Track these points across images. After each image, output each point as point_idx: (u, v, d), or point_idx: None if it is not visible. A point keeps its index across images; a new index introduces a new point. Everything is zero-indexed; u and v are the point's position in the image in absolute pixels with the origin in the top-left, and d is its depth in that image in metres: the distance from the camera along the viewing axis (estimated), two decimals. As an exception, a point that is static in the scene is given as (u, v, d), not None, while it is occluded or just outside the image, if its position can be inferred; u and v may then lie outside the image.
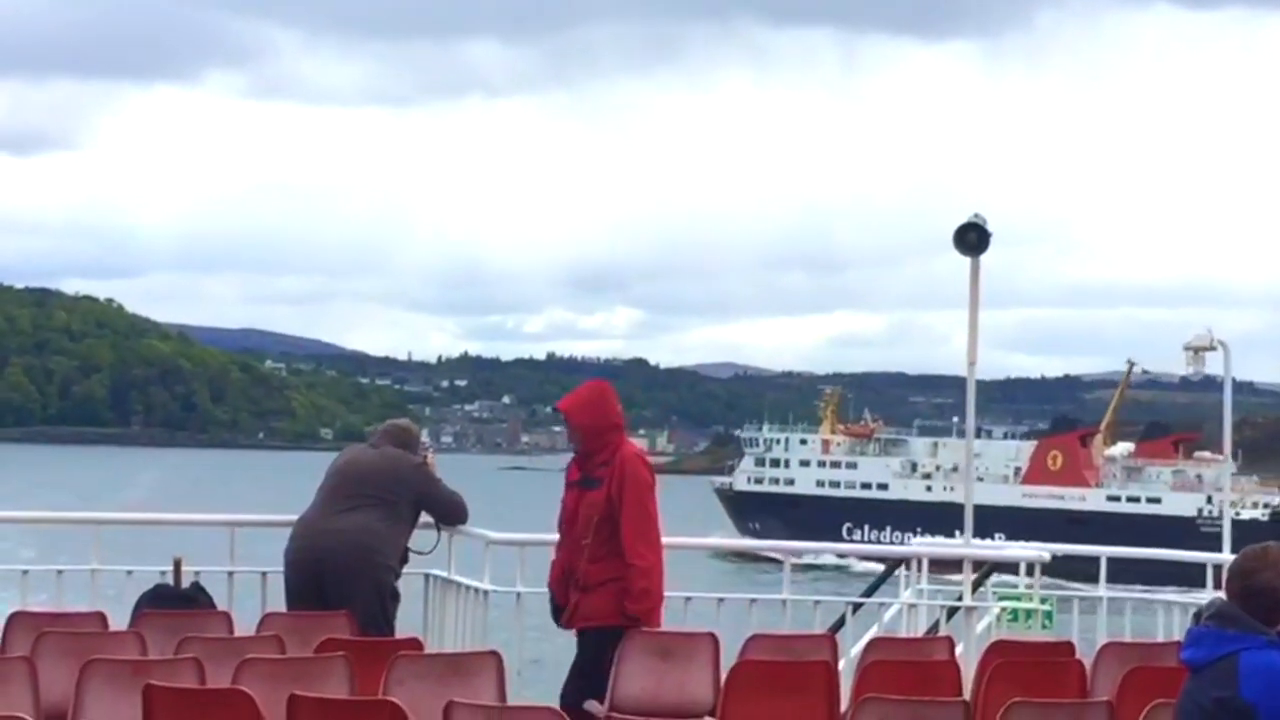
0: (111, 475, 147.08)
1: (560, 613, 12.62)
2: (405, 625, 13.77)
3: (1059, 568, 17.05)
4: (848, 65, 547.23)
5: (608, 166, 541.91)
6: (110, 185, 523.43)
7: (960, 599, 15.95)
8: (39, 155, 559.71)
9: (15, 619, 12.35)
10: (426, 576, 14.43)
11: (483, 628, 13.79)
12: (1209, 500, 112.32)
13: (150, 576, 13.75)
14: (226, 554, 14.48)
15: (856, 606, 15.80)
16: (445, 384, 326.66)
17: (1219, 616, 7.66)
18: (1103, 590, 16.24)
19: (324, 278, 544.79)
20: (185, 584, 13.68)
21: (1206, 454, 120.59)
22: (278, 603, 13.64)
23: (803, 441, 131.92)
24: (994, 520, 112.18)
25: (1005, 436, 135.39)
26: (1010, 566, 16.76)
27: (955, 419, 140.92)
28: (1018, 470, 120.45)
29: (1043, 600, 15.96)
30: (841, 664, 13.18)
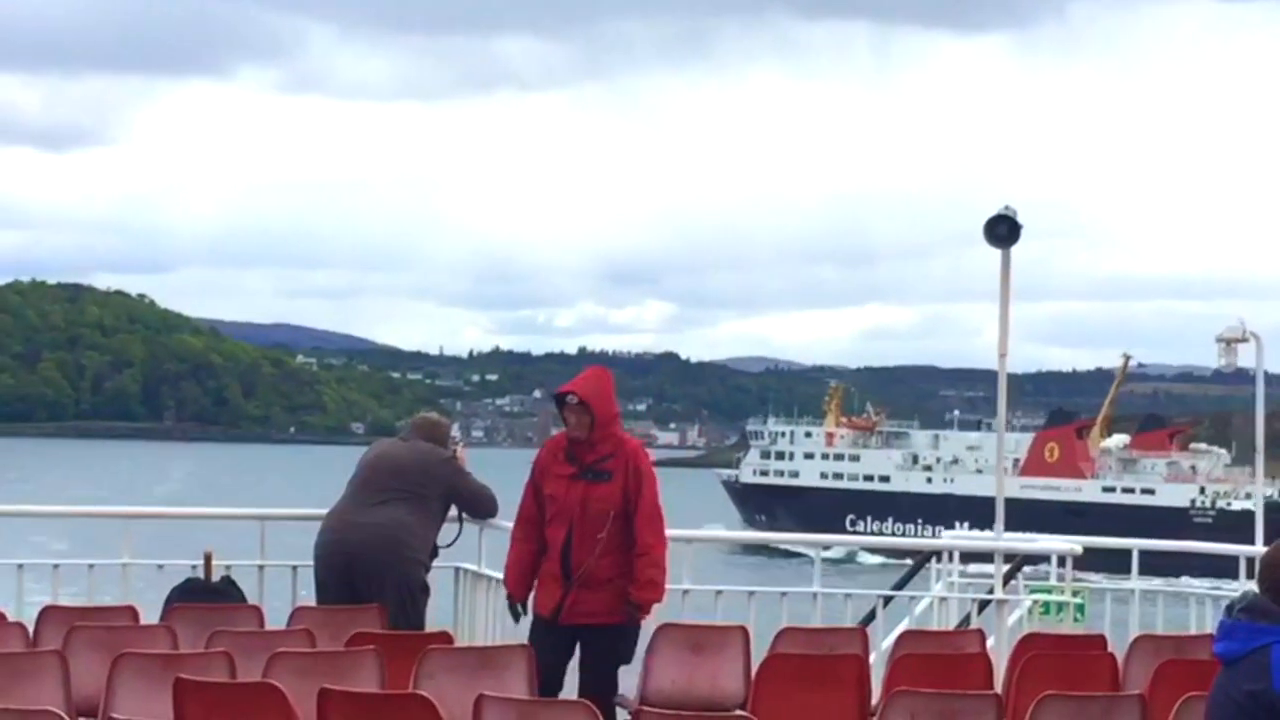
0: (143, 470, 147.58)
1: (520, 609, 12.50)
2: (436, 619, 13.77)
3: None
4: (880, 58, 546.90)
5: (639, 160, 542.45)
6: (143, 180, 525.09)
7: (992, 592, 15.91)
8: (73, 151, 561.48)
9: (47, 613, 12.38)
10: (457, 570, 14.43)
11: (513, 621, 13.77)
12: (1202, 491, 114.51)
13: (181, 570, 13.77)
14: (257, 548, 14.49)
15: (888, 599, 15.76)
16: (476, 378, 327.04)
17: (1251, 609, 7.63)
18: (1135, 583, 16.18)
19: (356, 272, 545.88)
20: (216, 578, 13.70)
21: (1202, 446, 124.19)
22: (308, 596, 13.65)
23: (807, 434, 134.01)
24: (992, 510, 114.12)
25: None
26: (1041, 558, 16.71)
27: (957, 412, 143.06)
28: (1016, 462, 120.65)
29: (1075, 593, 15.92)
30: (873, 657, 13.15)
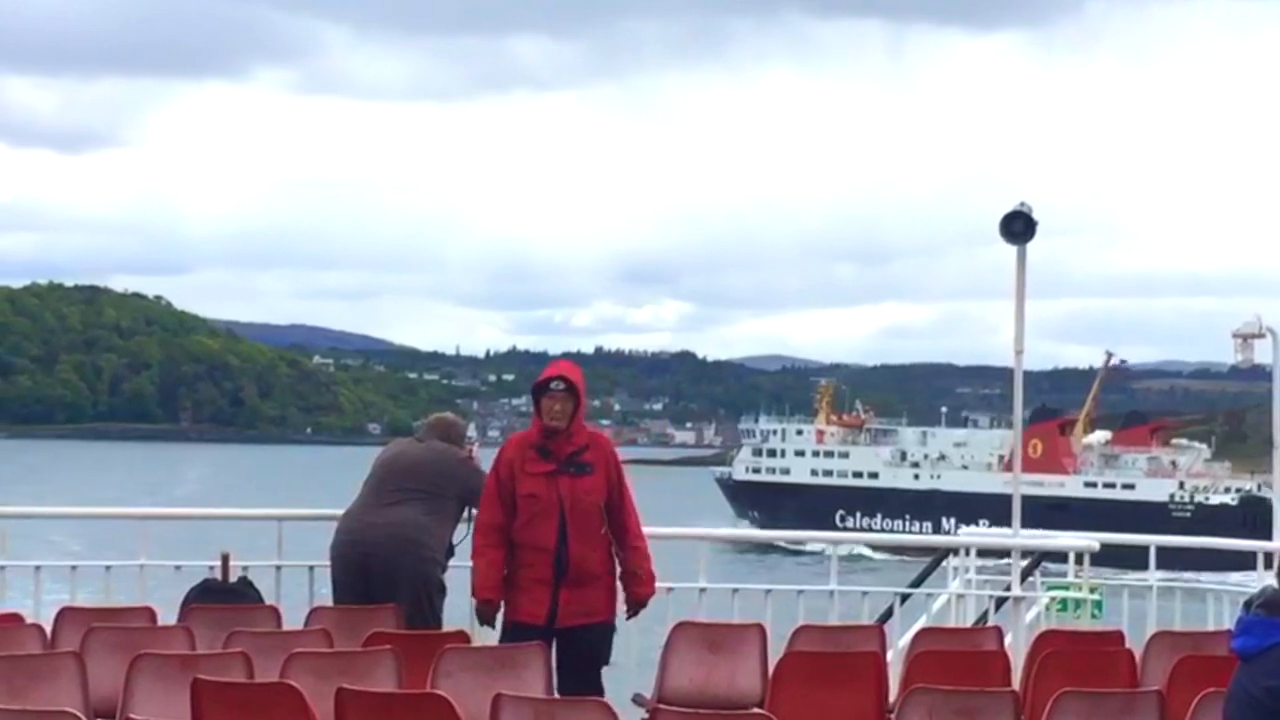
0: (160, 471, 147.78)
1: (490, 613, 12.27)
2: (453, 618, 13.76)
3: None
4: (895, 56, 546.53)
5: (655, 160, 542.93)
6: (160, 182, 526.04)
7: (1009, 589, 15.90)
8: (89, 153, 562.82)
9: (65, 614, 12.39)
10: (471, 569, 14.41)
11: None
12: (1181, 486, 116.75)
13: (198, 571, 13.77)
14: (274, 548, 14.48)
15: (905, 597, 15.75)
16: (493, 378, 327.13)
17: (1269, 605, 7.62)
18: (1153, 579, 16.16)
19: (373, 273, 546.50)
20: (233, 578, 13.70)
21: (1183, 441, 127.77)
22: (325, 597, 13.64)
23: (799, 432, 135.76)
24: (979, 506, 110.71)
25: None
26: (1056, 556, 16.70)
27: (944, 409, 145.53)
28: (1002, 458, 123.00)
29: (1092, 590, 15.90)
30: (890, 654, 13.14)
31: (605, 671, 12.33)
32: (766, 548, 75.04)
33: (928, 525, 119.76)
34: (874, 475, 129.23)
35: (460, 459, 13.74)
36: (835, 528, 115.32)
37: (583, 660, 12.07)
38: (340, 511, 13.79)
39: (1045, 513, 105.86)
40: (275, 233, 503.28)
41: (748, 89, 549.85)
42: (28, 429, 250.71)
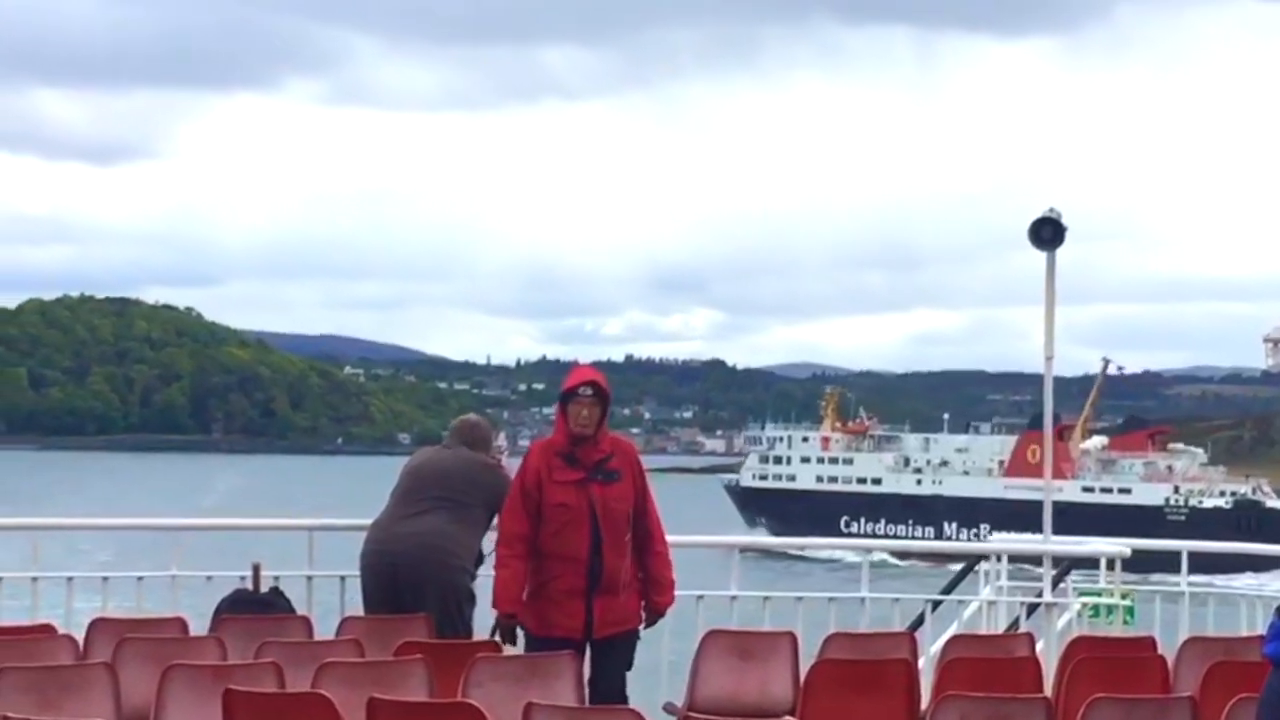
0: (191, 482, 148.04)
1: (512, 628, 12.05)
2: (483, 627, 13.76)
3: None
4: (924, 63, 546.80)
5: (685, 168, 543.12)
6: (191, 193, 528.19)
7: (1040, 595, 15.86)
8: (121, 165, 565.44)
9: (96, 625, 12.41)
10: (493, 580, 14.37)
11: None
12: (1176, 490, 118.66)
13: (229, 581, 13.78)
14: (305, 558, 14.49)
15: (936, 604, 15.73)
16: (523, 387, 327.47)
17: (1302, 610, 7.59)
18: (1184, 585, 16.12)
19: (404, 283, 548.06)
20: (264, 589, 13.71)
21: (1180, 446, 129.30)
22: (356, 606, 13.64)
23: (804, 439, 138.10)
24: (979, 511, 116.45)
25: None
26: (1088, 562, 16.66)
27: (946, 415, 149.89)
28: (1002, 464, 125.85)
29: (1124, 595, 15.86)
30: (921, 662, 13.12)
31: (637, 679, 12.32)
32: (778, 554, 74.98)
33: (930, 530, 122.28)
34: (877, 481, 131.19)
35: (487, 465, 13.64)
36: (840, 533, 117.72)
37: (614, 669, 11.97)
38: (371, 522, 13.80)
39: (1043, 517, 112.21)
40: (306, 243, 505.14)
41: (777, 96, 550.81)
42: (60, 441, 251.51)
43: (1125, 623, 15.71)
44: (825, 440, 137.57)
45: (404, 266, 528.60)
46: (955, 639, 13.74)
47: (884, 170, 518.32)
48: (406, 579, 13.18)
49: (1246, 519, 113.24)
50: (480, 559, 13.57)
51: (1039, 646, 13.80)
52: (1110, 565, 16.15)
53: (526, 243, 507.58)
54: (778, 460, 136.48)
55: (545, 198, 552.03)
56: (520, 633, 12.09)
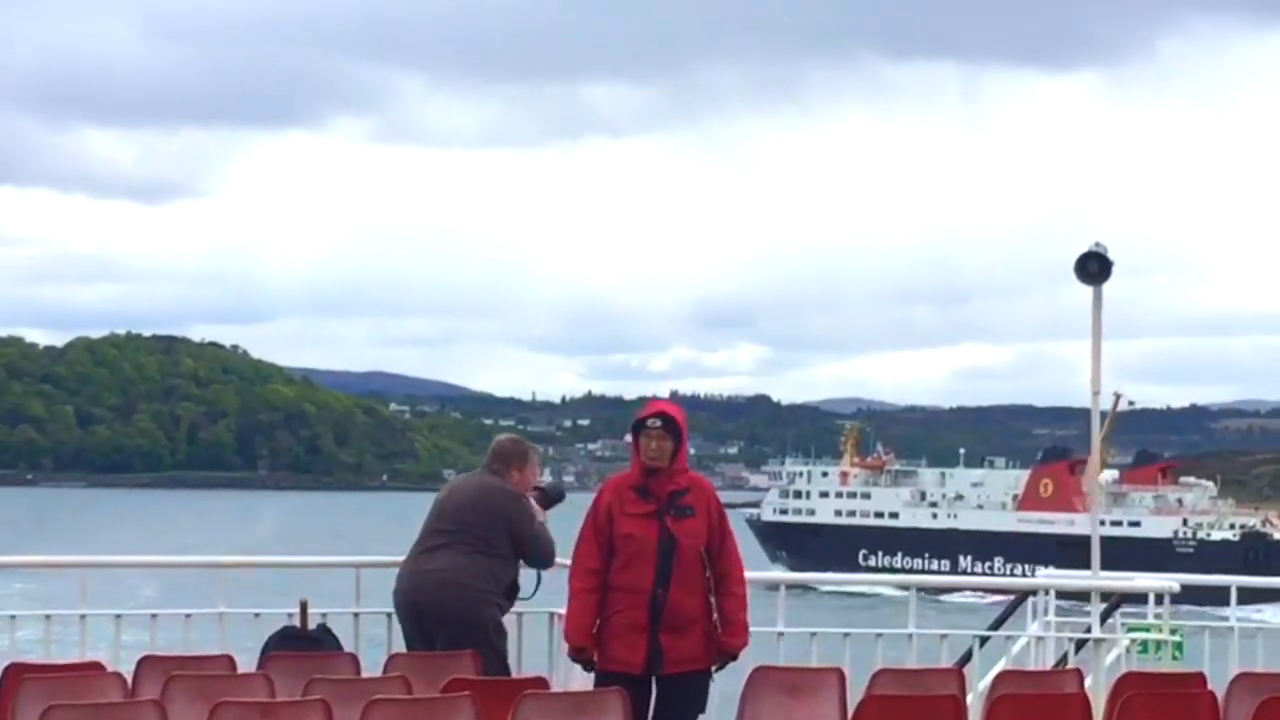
0: (237, 518, 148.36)
1: (584, 660, 11.95)
2: (531, 664, 13.76)
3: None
4: (969, 98, 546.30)
5: (731, 203, 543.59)
6: (238, 232, 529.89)
7: (1089, 630, 15.79)
8: (169, 204, 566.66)
9: (145, 662, 12.44)
10: (551, 615, 14.37)
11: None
12: (1185, 523, 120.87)
13: (277, 619, 13.81)
14: (352, 595, 14.53)
15: (984, 640, 15.67)
16: (568, 423, 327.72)
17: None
18: (1234, 620, 16.04)
19: (450, 319, 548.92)
20: (312, 626, 13.74)
21: (1190, 479, 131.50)
22: (403, 643, 13.66)
23: (824, 474, 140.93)
24: (992, 544, 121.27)
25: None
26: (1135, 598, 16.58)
27: (962, 450, 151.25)
28: (1015, 498, 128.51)
29: (1173, 631, 15.78)
30: (970, 698, 13.07)
31: None
32: (802, 588, 75.03)
33: (945, 563, 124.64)
34: (894, 515, 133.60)
35: (505, 494, 13.52)
36: (858, 566, 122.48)
37: (682, 708, 11.83)
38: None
39: (1056, 549, 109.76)
40: (353, 281, 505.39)
41: (823, 132, 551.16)
42: (107, 478, 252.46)
43: (1174, 658, 15.62)
44: (844, 475, 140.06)
45: (450, 303, 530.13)
46: (1003, 675, 13.68)
47: (930, 205, 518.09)
48: (430, 616, 13.24)
49: (1254, 551, 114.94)
50: (514, 589, 13.50)
51: (1088, 682, 13.74)
52: (1159, 600, 16.06)
53: (572, 279, 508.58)
54: (798, 495, 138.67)
55: (591, 234, 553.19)
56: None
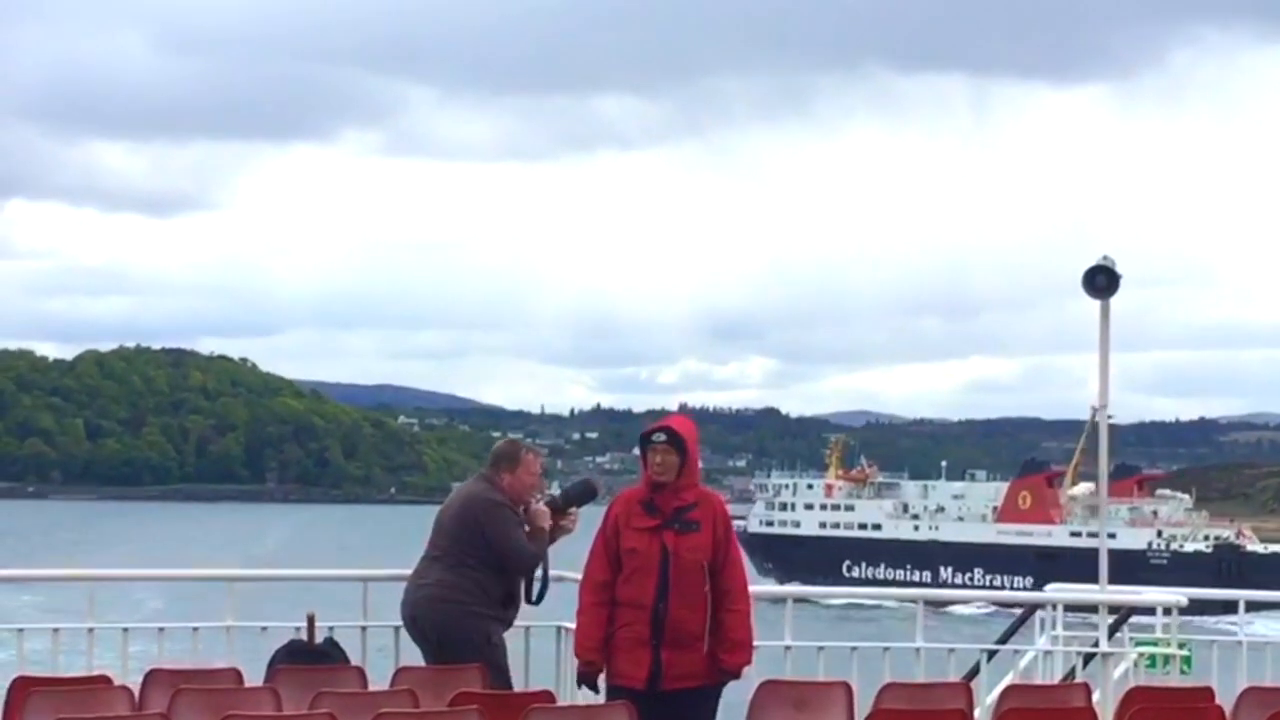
0: (245, 531, 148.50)
1: (590, 676, 11.91)
2: (538, 678, 13.76)
3: None
4: (979, 110, 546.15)
5: (740, 216, 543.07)
6: (247, 244, 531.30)
7: (1097, 645, 15.78)
8: (178, 217, 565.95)
9: (152, 675, 12.43)
10: (559, 629, 14.37)
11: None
12: (1159, 534, 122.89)
13: (284, 632, 13.81)
14: (359, 609, 14.53)
15: (992, 654, 15.66)
16: (576, 436, 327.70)
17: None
18: (1243, 634, 16.02)
19: (459, 332, 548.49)
20: (319, 639, 13.73)
21: (1166, 492, 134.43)
22: (411, 657, 13.66)
23: (809, 486, 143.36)
24: (972, 555, 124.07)
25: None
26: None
27: (944, 463, 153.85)
28: (995, 509, 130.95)
29: (1181, 645, 15.76)
30: (977, 712, 13.07)
31: None
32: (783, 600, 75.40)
33: (927, 574, 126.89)
34: (877, 527, 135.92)
35: (481, 503, 13.36)
36: (842, 577, 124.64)
37: None
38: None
39: (1034, 561, 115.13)
40: (363, 293, 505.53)
41: (832, 145, 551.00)
42: (116, 491, 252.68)
43: (1183, 672, 15.61)
44: (829, 488, 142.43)
45: (459, 316, 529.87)
46: (1011, 689, 13.66)
47: (940, 217, 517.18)
48: (424, 630, 13.28)
49: (1226, 562, 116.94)
50: (510, 600, 13.37)
51: (1095, 697, 13.74)
52: (1166, 614, 16.05)
53: (582, 292, 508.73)
54: (783, 507, 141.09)
55: (601, 247, 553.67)
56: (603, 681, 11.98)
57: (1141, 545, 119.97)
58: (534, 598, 13.59)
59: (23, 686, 11.88)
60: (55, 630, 14.21)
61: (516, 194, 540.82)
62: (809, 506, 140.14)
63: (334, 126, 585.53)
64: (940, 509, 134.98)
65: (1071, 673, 15.53)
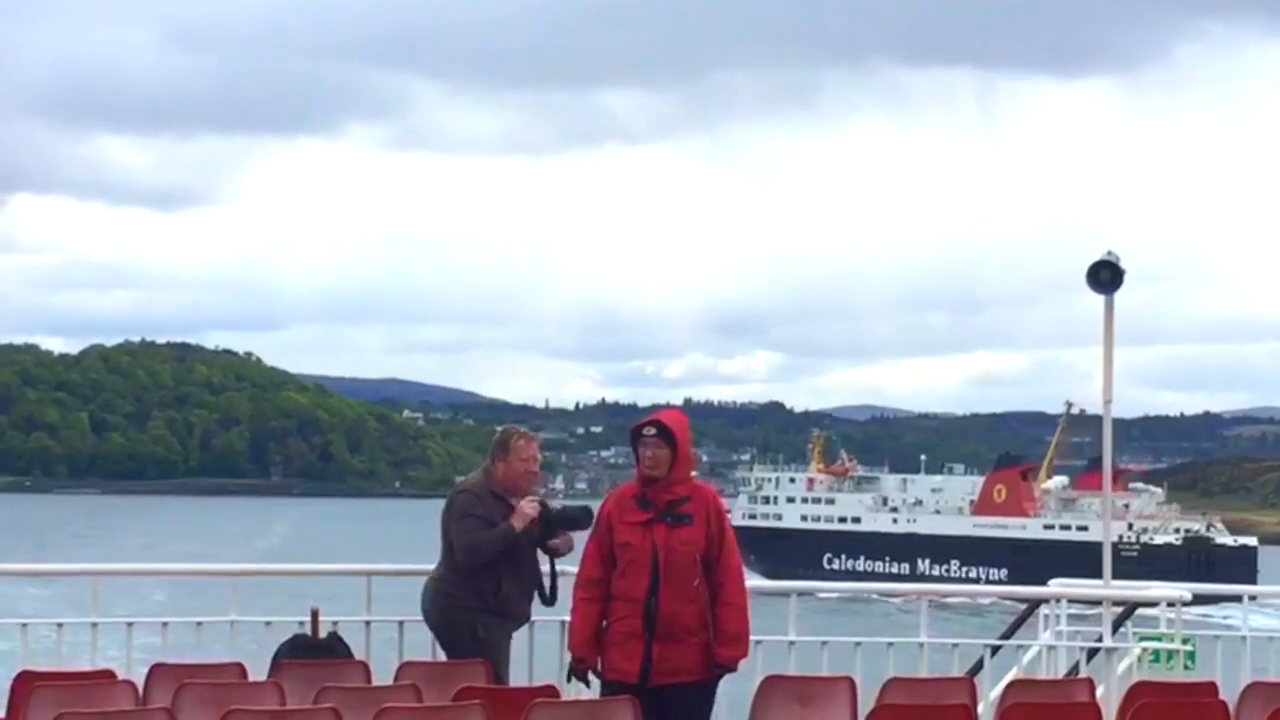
0: (249, 525, 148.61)
1: (582, 671, 11.99)
2: (541, 672, 13.77)
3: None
4: (985, 105, 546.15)
5: (746, 211, 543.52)
6: (253, 239, 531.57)
7: (1100, 640, 15.77)
8: (184, 211, 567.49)
9: (156, 670, 12.45)
10: (562, 623, 14.36)
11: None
12: (1130, 527, 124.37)
13: (288, 627, 13.82)
14: (363, 603, 14.54)
15: (995, 649, 15.65)
16: (581, 431, 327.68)
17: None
18: (1246, 629, 16.01)
19: (465, 326, 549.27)
20: (323, 634, 13.73)
21: (1139, 485, 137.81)
22: (415, 652, 13.68)
23: (791, 480, 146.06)
24: (949, 548, 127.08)
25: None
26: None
27: (924, 457, 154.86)
28: (972, 502, 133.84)
29: (1184, 640, 15.75)
30: (980, 707, 13.05)
31: None
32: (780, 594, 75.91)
33: (905, 566, 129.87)
34: (857, 520, 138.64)
35: (454, 495, 13.43)
36: (822, 569, 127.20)
37: None
38: (429, 567, 13.79)
39: (1009, 554, 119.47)
40: (368, 288, 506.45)
41: (838, 139, 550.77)
42: (121, 485, 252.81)
43: (1186, 668, 15.58)
44: (811, 481, 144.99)
45: (465, 310, 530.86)
46: (1014, 684, 13.67)
47: (945, 212, 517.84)
48: (431, 626, 13.35)
49: (1196, 554, 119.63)
50: (497, 587, 13.29)
51: (1099, 692, 13.72)
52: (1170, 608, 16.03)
53: (588, 286, 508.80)
54: (765, 500, 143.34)
55: (606, 241, 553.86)
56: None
57: (1111, 538, 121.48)
58: (546, 598, 13.59)
59: (27, 681, 11.90)
60: (59, 625, 14.23)
61: (522, 188, 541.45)
62: (791, 500, 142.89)
63: (340, 121, 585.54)
64: (918, 502, 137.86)
65: (1075, 668, 15.52)
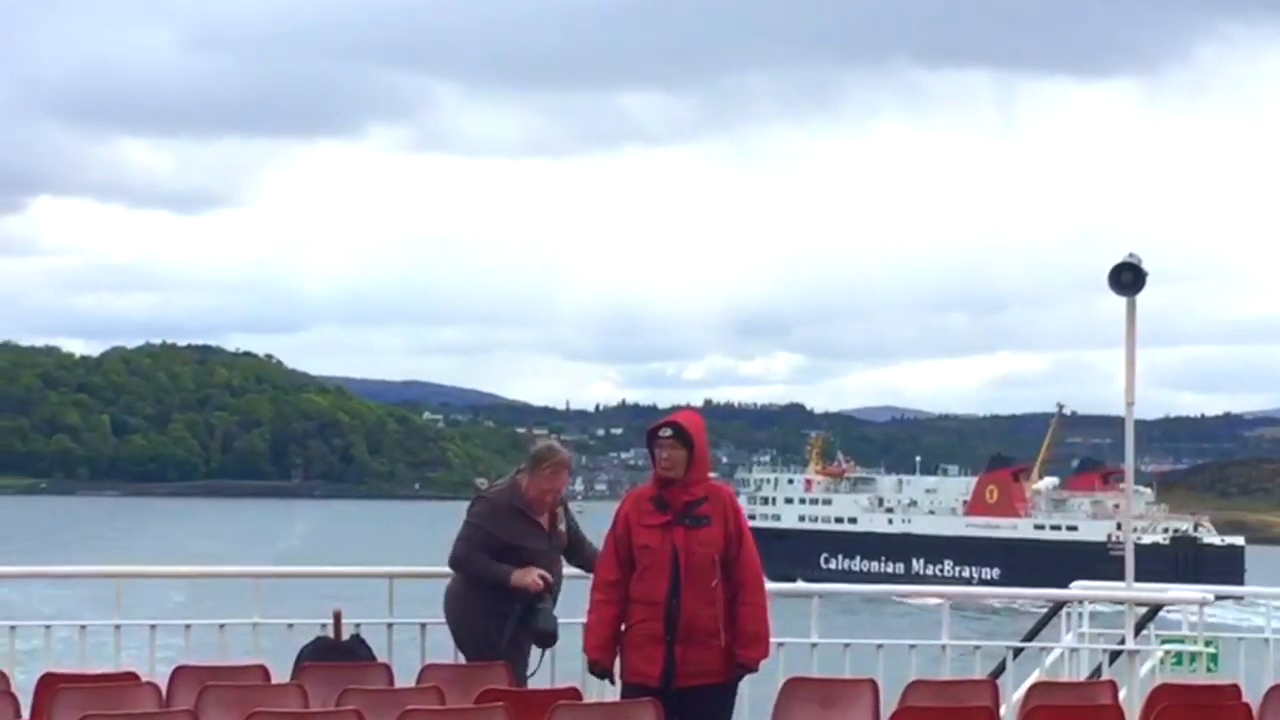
0: (270, 527, 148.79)
1: (600, 672, 11.98)
2: (564, 675, 13.76)
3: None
4: (1005, 106, 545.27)
5: (766, 212, 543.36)
6: (274, 241, 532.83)
7: (1123, 642, 15.75)
8: (205, 214, 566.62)
9: (179, 672, 12.46)
10: (584, 625, 14.35)
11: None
12: (1118, 527, 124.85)
13: (311, 629, 13.83)
14: (385, 605, 14.55)
15: (1017, 651, 15.64)
16: (601, 432, 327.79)
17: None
18: (1269, 631, 15.98)
19: (486, 328, 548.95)
20: (345, 636, 13.75)
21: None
22: (437, 654, 13.68)
23: (790, 481, 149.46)
24: (943, 548, 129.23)
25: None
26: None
27: (918, 458, 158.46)
28: (965, 503, 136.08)
29: (1207, 642, 15.73)
30: (1003, 709, 13.04)
31: None
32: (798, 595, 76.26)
33: (900, 565, 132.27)
34: (853, 520, 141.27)
35: (475, 505, 13.49)
36: (819, 569, 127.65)
37: None
38: (449, 569, 13.80)
39: (1001, 553, 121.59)
40: (389, 290, 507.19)
41: (859, 140, 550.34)
42: (142, 487, 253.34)
43: (1209, 670, 15.57)
44: (809, 482, 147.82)
45: (485, 312, 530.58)
46: (1037, 686, 13.64)
47: (966, 213, 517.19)
48: (451, 629, 13.45)
49: (1183, 554, 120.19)
50: (502, 595, 13.28)
51: (1122, 694, 13.70)
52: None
53: (608, 288, 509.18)
54: (764, 501, 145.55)
55: (627, 243, 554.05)
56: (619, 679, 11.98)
57: (1101, 538, 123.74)
58: (520, 675, 13.25)
59: (50, 683, 11.91)
60: (82, 627, 14.25)
61: (542, 190, 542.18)
62: (789, 500, 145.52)
63: (360, 123, 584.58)
64: (913, 503, 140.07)
65: (1098, 670, 15.50)
